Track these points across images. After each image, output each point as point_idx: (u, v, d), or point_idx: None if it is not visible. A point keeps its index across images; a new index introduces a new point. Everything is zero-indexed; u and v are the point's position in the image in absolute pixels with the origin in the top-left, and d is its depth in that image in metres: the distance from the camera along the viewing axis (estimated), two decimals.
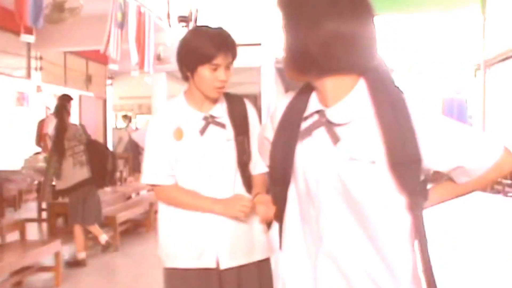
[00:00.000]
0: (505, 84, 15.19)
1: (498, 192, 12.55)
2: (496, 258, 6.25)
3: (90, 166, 5.51)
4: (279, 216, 1.42)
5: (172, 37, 9.03)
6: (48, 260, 5.21)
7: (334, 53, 1.18)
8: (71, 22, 6.36)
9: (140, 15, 7.29)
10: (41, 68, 10.20)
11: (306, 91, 1.35)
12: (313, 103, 1.32)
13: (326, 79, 1.25)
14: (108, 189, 8.59)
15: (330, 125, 1.28)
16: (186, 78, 2.15)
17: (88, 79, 12.78)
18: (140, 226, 7.71)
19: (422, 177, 1.27)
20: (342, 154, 1.25)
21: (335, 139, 1.26)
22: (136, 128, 14.88)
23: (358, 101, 1.25)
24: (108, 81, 14.15)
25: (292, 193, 1.38)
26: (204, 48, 2.01)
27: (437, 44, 18.74)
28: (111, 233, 6.53)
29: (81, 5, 5.81)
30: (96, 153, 5.58)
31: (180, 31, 9.48)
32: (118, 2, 6.35)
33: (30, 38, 5.00)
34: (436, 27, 18.63)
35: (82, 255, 5.63)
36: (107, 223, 6.60)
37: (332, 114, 1.27)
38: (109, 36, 6.12)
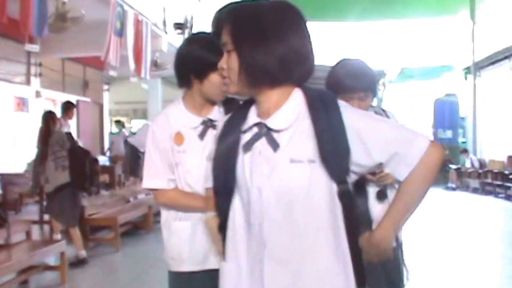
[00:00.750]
0: (494, 86, 15.46)
1: (490, 193, 12.77)
2: (487, 257, 6.45)
3: (70, 171, 5.72)
4: (223, 227, 1.48)
5: (168, 43, 9.22)
6: (53, 260, 5.41)
7: (288, 66, 1.38)
8: (71, 30, 6.54)
9: (137, 23, 7.50)
10: (40, 74, 10.35)
11: (243, 108, 1.48)
12: (251, 117, 1.44)
13: (275, 90, 1.41)
14: (107, 192, 8.81)
15: (269, 134, 1.39)
16: (187, 85, 2.22)
17: (85, 85, 12.93)
18: (139, 228, 7.91)
19: (359, 173, 1.42)
20: (283, 159, 1.36)
21: (275, 146, 1.38)
22: (131, 133, 15.00)
23: (295, 107, 1.40)
24: (105, 87, 14.30)
25: (236, 203, 1.44)
26: (215, 55, 2.15)
27: (428, 49, 19.00)
28: (112, 234, 6.73)
29: (82, 15, 6.01)
30: (76, 159, 5.79)
31: (176, 38, 9.68)
32: (117, 11, 6.55)
33: (35, 48, 5.14)
34: (427, 32, 18.91)
35: (82, 254, 5.80)
36: (108, 224, 6.81)
37: (272, 122, 1.40)
38: (109, 44, 6.31)
